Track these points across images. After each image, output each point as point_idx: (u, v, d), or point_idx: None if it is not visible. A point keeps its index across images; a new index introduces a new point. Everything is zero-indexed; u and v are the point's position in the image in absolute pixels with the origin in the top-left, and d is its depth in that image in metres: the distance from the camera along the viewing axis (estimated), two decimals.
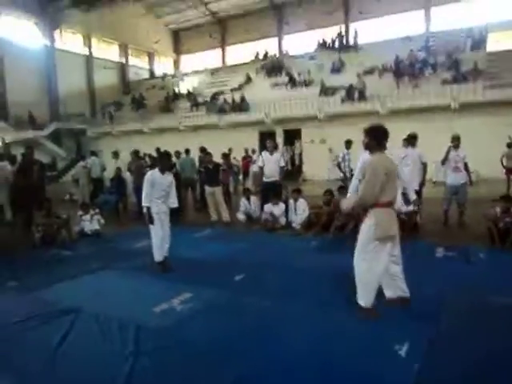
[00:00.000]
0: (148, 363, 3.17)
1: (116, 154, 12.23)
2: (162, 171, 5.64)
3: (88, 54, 30.48)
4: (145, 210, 5.50)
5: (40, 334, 3.75)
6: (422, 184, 7.89)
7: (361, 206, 3.88)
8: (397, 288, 4.02)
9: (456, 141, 7.93)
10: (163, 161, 5.84)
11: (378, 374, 2.91)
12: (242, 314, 4.06)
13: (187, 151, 12.08)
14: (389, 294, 4.05)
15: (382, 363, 3.03)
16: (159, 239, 5.57)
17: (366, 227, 3.78)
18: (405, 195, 5.93)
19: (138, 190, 10.67)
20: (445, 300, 4.20)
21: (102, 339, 3.59)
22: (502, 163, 11.67)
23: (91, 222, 8.26)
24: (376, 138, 3.83)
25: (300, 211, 8.54)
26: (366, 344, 3.33)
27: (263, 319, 3.92)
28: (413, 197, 5.00)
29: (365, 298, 3.82)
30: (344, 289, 4.59)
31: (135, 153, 11.72)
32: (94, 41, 31.04)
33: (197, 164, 11.52)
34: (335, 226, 7.53)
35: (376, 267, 3.75)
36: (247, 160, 16.54)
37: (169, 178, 5.70)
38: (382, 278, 3.89)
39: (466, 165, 7.87)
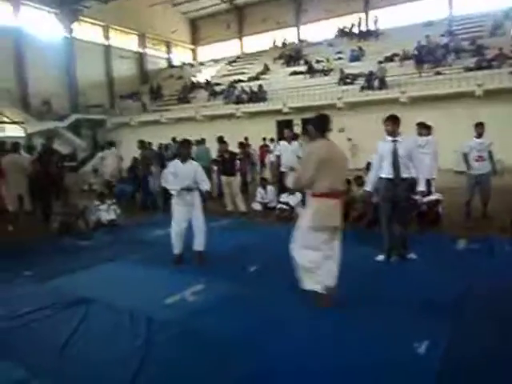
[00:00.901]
0: (158, 355, 3.12)
1: (142, 144, 12.05)
2: (184, 160, 5.44)
3: (107, 44, 30.59)
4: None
5: (51, 324, 3.73)
6: None
7: (296, 188, 3.89)
8: (329, 278, 3.86)
9: (480, 128, 7.62)
10: (182, 149, 5.58)
11: (397, 372, 2.78)
12: (254, 308, 3.97)
13: (202, 140, 12.00)
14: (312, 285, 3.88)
15: (400, 361, 2.89)
16: (174, 231, 5.46)
17: (305, 215, 3.81)
18: (428, 185, 5.77)
19: (144, 179, 10.73)
20: (466, 295, 4.01)
21: (114, 331, 3.56)
22: None
23: (108, 212, 8.27)
24: (316, 126, 3.83)
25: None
26: (384, 341, 3.19)
27: (276, 313, 3.82)
28: (422, 187, 4.89)
29: (311, 283, 3.81)
30: (362, 283, 4.47)
31: (141, 142, 11.71)
32: (112, 31, 31.12)
33: (213, 154, 11.43)
34: (353, 216, 7.37)
35: (313, 254, 3.75)
36: (265, 149, 16.39)
37: (191, 166, 5.42)
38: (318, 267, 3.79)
39: (490, 153, 7.56)
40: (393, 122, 5.09)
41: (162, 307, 4.01)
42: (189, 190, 5.36)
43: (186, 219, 5.44)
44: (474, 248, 5.64)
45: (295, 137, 9.09)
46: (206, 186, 5.47)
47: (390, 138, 5.13)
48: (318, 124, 3.84)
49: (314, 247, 3.75)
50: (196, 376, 2.86)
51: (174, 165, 5.46)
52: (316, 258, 3.76)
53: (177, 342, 3.33)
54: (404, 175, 5.04)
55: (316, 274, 3.80)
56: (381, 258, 5.29)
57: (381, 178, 5.19)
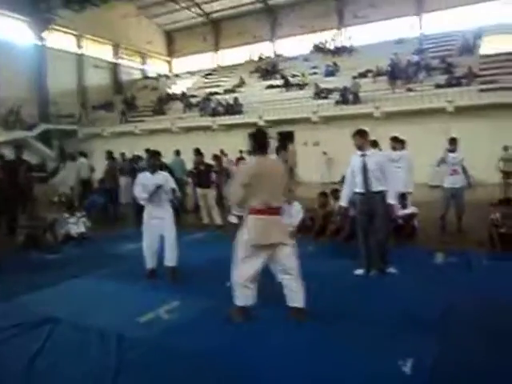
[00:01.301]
0: (131, 374, 2.90)
1: (110, 155, 11.83)
2: (152, 171, 5.33)
3: (80, 53, 30.03)
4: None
5: (13, 346, 3.46)
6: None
7: (232, 205, 3.94)
8: (290, 299, 3.84)
9: (453, 143, 7.75)
10: (152, 160, 5.47)
11: None
12: (233, 324, 3.79)
13: (177, 152, 11.81)
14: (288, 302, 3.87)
15: (385, 381, 2.78)
16: (145, 245, 5.27)
17: (241, 233, 3.77)
18: (403, 198, 5.77)
19: (113, 190, 10.48)
20: (448, 309, 3.96)
21: (82, 352, 3.30)
22: (499, 167, 11.57)
23: (77, 225, 7.94)
24: (254, 143, 3.81)
25: (294, 214, 8.29)
26: (366, 359, 3.07)
27: (254, 329, 3.67)
28: (392, 200, 4.87)
29: (243, 299, 3.79)
30: (341, 298, 4.37)
31: (108, 153, 11.52)
32: (85, 40, 30.62)
33: (188, 166, 11.24)
34: (330, 230, 7.30)
35: (247, 270, 3.72)
36: (241, 161, 16.33)
37: (160, 176, 5.28)
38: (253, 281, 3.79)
39: (463, 168, 7.68)
40: (360, 136, 5.10)
41: (135, 326, 3.78)
42: (158, 202, 5.21)
43: (158, 232, 5.25)
44: (452, 262, 5.64)
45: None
46: (176, 193, 5.39)
47: (359, 153, 5.11)
48: (254, 140, 3.82)
49: (251, 263, 3.71)
50: None
51: (144, 176, 5.36)
52: (251, 274, 3.73)
53: (151, 360, 3.11)
54: (377, 188, 5.00)
55: (249, 288, 3.78)
56: (360, 271, 5.22)
57: (355, 192, 5.18)
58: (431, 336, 3.40)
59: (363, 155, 5.05)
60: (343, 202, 5.41)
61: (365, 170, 5.01)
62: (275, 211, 3.67)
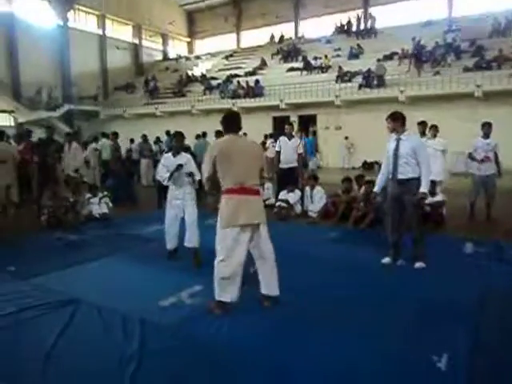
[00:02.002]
0: (153, 363, 2.83)
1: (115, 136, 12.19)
2: (174, 153, 5.22)
3: (102, 34, 30.00)
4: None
5: (36, 326, 3.43)
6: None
7: (207, 188, 3.77)
8: (263, 285, 3.73)
9: (486, 128, 7.41)
10: (175, 142, 5.38)
11: None
12: (258, 310, 3.70)
13: (203, 134, 11.70)
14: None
15: (420, 378, 2.63)
16: (166, 226, 5.25)
17: (218, 215, 3.63)
18: (433, 185, 5.51)
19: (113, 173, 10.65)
20: (482, 301, 3.78)
21: (104, 335, 3.26)
22: None
23: (99, 205, 7.96)
24: (223, 124, 3.79)
25: (317, 199, 8.15)
26: (398, 354, 2.92)
27: (279, 316, 3.56)
28: (424, 189, 4.66)
29: (219, 291, 3.58)
30: (368, 289, 4.22)
31: (113, 134, 11.59)
32: (107, 21, 30.56)
33: None
34: (354, 216, 7.13)
35: (227, 261, 3.51)
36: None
37: (182, 158, 5.14)
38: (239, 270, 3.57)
39: (496, 154, 7.37)
40: (392, 120, 4.87)
41: (157, 310, 3.72)
42: (181, 184, 5.13)
43: (179, 214, 5.19)
44: (482, 251, 5.42)
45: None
46: (196, 176, 5.13)
47: (394, 136, 4.89)
48: (223, 123, 3.79)
49: (229, 250, 3.51)
50: None
51: (166, 157, 5.30)
52: (233, 266, 3.52)
53: (173, 348, 3.04)
54: (408, 175, 4.75)
55: (231, 283, 3.56)
56: (386, 260, 5.05)
57: (388, 178, 4.98)
58: (466, 329, 3.23)
59: (398, 139, 4.83)
60: (377, 187, 5.18)
61: (396, 154, 4.80)
62: (249, 191, 3.53)
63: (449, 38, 20.15)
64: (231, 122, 3.75)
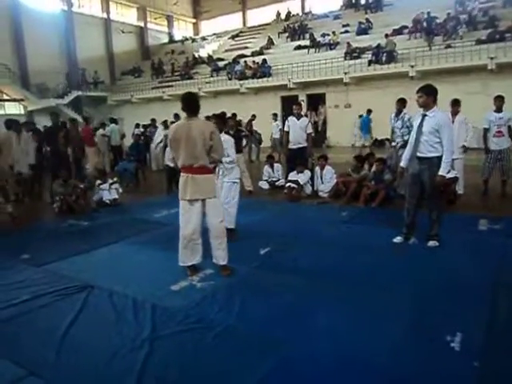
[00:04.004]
0: (165, 348, 2.85)
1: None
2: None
3: (106, 17, 29.70)
4: None
5: (50, 312, 3.47)
6: None
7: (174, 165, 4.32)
8: (214, 256, 4.16)
9: (499, 101, 7.22)
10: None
11: (430, 372, 2.46)
12: (270, 292, 3.70)
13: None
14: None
15: (434, 358, 2.60)
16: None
17: None
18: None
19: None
20: (497, 279, 3.73)
21: (116, 320, 3.28)
22: None
23: (110, 191, 7.99)
24: (183, 105, 3.97)
25: (327, 179, 8.08)
26: (411, 334, 2.90)
27: (293, 298, 3.55)
28: (443, 171, 4.51)
29: (179, 256, 4.12)
30: (379, 268, 4.20)
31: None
32: (111, 4, 30.21)
33: None
34: (365, 194, 7.06)
35: (184, 227, 4.05)
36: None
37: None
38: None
39: (509, 128, 7.18)
40: (425, 93, 4.62)
41: (168, 294, 3.74)
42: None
43: None
44: (497, 228, 5.34)
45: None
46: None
47: (421, 112, 4.74)
48: (183, 104, 3.97)
49: (186, 220, 4.03)
50: (209, 374, 2.59)
51: None
52: (188, 231, 4.02)
53: (186, 332, 3.05)
54: (428, 154, 4.59)
55: (188, 247, 4.07)
56: (398, 239, 4.99)
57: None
58: (481, 308, 3.19)
59: (423, 115, 4.66)
60: (403, 162, 4.97)
61: (419, 131, 4.65)
62: (195, 170, 3.90)
63: (470, 6, 19.48)
64: (184, 104, 3.97)
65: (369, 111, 14.76)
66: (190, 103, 3.97)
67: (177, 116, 12.02)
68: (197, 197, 3.97)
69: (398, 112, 7.23)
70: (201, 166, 3.91)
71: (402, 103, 7.29)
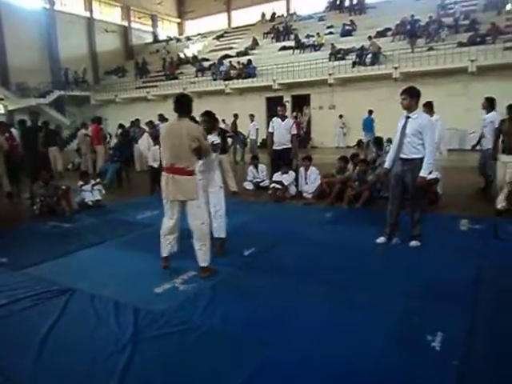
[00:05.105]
0: (147, 351, 2.81)
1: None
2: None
3: (89, 16, 29.33)
4: None
5: (29, 317, 3.39)
6: None
7: None
8: (196, 257, 4.14)
9: (484, 102, 7.41)
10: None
11: (411, 372, 2.48)
12: (254, 294, 3.69)
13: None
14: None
15: (413, 358, 2.61)
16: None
17: None
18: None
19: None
20: (477, 279, 3.78)
21: (98, 324, 3.23)
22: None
23: (92, 193, 7.87)
24: (174, 106, 4.03)
25: (311, 180, 8.11)
26: (392, 334, 2.92)
27: (277, 300, 3.55)
28: (424, 173, 4.57)
29: (163, 250, 4.32)
30: (361, 268, 4.23)
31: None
32: (94, 3, 29.86)
33: None
34: (349, 195, 7.10)
35: (164, 223, 4.27)
36: None
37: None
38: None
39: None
40: (409, 96, 4.66)
41: (151, 297, 3.69)
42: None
43: None
44: (478, 229, 5.42)
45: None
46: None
47: (405, 114, 4.78)
48: (176, 105, 4.02)
49: (167, 217, 4.21)
50: (193, 376, 2.56)
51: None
52: (167, 226, 4.23)
53: (169, 335, 3.02)
54: (411, 155, 4.63)
55: (165, 240, 4.27)
56: (381, 239, 5.03)
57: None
58: (461, 308, 3.23)
59: (407, 117, 4.70)
60: (387, 163, 4.99)
61: (402, 133, 4.69)
62: (177, 171, 3.93)
63: (437, 16, 19.83)
64: (176, 105, 4.02)
65: (370, 112, 15.23)
66: (182, 104, 4.01)
67: (161, 117, 11.94)
68: (178, 198, 4.01)
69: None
70: (183, 167, 3.92)
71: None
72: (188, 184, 3.98)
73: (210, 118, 4.77)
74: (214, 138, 4.65)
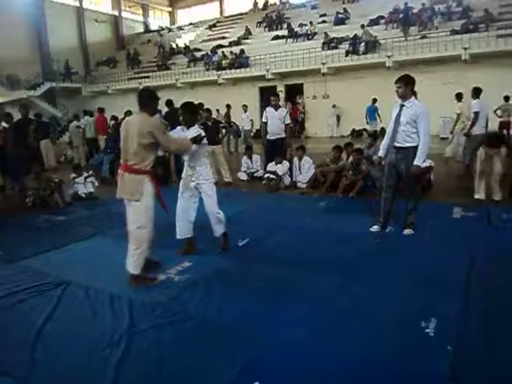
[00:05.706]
0: (143, 342, 2.82)
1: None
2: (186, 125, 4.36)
3: (79, 5, 28.86)
4: None
5: (24, 310, 3.38)
6: None
7: None
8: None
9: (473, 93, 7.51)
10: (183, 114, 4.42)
11: (405, 358, 2.51)
12: (249, 285, 3.70)
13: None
14: None
15: (408, 344, 2.64)
16: (178, 209, 4.51)
17: None
18: None
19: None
20: (470, 266, 3.80)
21: (93, 316, 3.23)
22: (497, 115, 11.91)
23: (85, 185, 7.84)
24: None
25: (305, 170, 8.11)
26: (387, 320, 2.95)
27: (272, 290, 3.56)
28: (419, 162, 4.57)
29: None
30: (356, 256, 4.25)
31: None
32: None
33: None
34: (343, 185, 7.11)
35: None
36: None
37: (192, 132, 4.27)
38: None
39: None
40: (404, 84, 4.64)
41: (146, 288, 3.69)
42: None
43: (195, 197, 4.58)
44: (470, 216, 5.46)
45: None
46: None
47: (399, 102, 4.76)
48: (139, 99, 3.80)
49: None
50: (188, 366, 2.58)
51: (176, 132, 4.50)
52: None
53: (163, 327, 3.03)
54: (405, 144, 4.64)
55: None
56: (375, 228, 5.05)
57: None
58: (455, 294, 3.26)
59: (401, 106, 4.69)
60: (381, 151, 5.00)
61: (397, 121, 4.68)
62: (127, 168, 3.70)
63: (430, 3, 19.74)
64: (141, 100, 3.78)
65: (374, 100, 15.34)
66: (141, 99, 3.76)
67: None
68: (121, 195, 3.74)
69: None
70: (132, 164, 3.66)
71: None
72: (132, 183, 3.66)
73: (186, 110, 4.35)
74: (194, 131, 4.22)
